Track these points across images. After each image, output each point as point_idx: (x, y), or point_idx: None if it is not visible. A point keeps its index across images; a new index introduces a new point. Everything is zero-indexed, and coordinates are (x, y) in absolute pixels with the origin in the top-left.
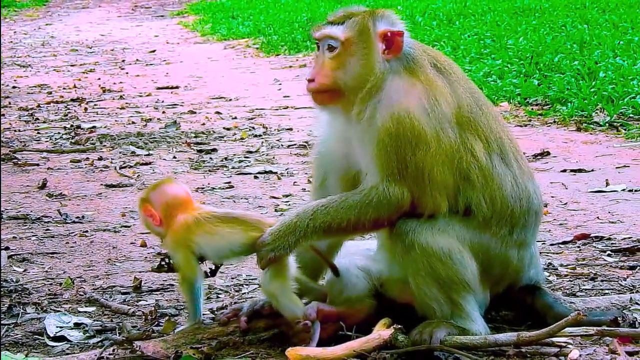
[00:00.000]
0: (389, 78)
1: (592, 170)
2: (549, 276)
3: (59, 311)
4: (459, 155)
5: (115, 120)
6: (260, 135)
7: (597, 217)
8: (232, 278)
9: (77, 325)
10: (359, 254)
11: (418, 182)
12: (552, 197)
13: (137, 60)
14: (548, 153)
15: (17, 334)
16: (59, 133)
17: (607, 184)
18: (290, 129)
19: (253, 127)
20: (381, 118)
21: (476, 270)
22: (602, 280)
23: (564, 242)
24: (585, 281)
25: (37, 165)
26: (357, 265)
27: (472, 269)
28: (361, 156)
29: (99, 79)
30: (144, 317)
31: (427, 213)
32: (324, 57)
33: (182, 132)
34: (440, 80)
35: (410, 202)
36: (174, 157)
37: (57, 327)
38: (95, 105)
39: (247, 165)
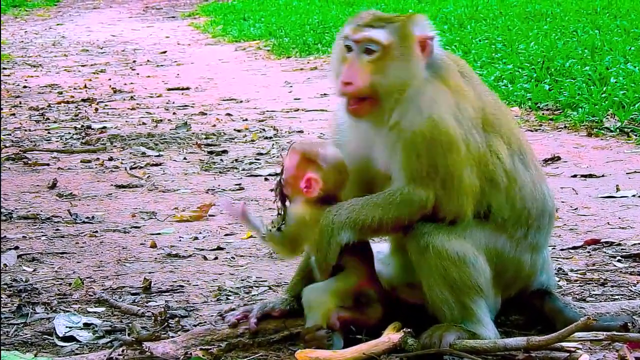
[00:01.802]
0: (422, 83)
1: (603, 176)
2: (559, 281)
3: (68, 311)
4: (485, 158)
5: (126, 121)
6: (270, 137)
7: (608, 223)
8: (242, 280)
9: (86, 326)
10: None
11: (446, 186)
12: (563, 202)
13: (148, 61)
14: (559, 158)
15: (26, 334)
16: (69, 133)
17: (618, 190)
18: (301, 131)
19: (264, 129)
20: (415, 123)
21: (489, 275)
22: (612, 286)
23: (574, 247)
24: (595, 286)
25: (48, 165)
26: None
27: (486, 274)
28: (386, 160)
29: (110, 79)
30: (153, 318)
31: (449, 218)
32: (360, 60)
33: (193, 133)
34: (466, 86)
35: (434, 206)
36: (185, 158)
37: (66, 327)
38: (105, 105)
39: (258, 167)
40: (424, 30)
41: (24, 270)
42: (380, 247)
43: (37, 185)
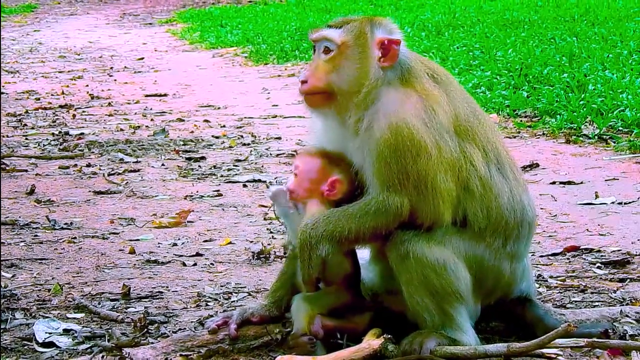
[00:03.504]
0: (385, 88)
1: (582, 183)
2: (539, 288)
3: (47, 317)
4: (459, 164)
5: (104, 127)
6: (248, 144)
7: (587, 230)
8: (222, 286)
9: (66, 332)
10: None
11: (420, 191)
12: (542, 209)
13: (125, 67)
14: (537, 165)
15: (5, 340)
16: (47, 139)
17: (597, 197)
18: (279, 138)
19: (242, 136)
20: (379, 129)
21: (469, 282)
22: (592, 293)
23: (554, 254)
24: (575, 293)
25: (26, 171)
26: None
27: (466, 280)
28: (360, 166)
29: (87, 85)
30: (133, 324)
31: (427, 224)
32: (318, 60)
33: (171, 139)
34: (437, 90)
35: (409, 212)
36: (163, 165)
37: (46, 333)
38: (83, 112)
39: (236, 174)
40: (387, 33)
41: (2, 276)
42: (362, 253)
43: (15, 192)
